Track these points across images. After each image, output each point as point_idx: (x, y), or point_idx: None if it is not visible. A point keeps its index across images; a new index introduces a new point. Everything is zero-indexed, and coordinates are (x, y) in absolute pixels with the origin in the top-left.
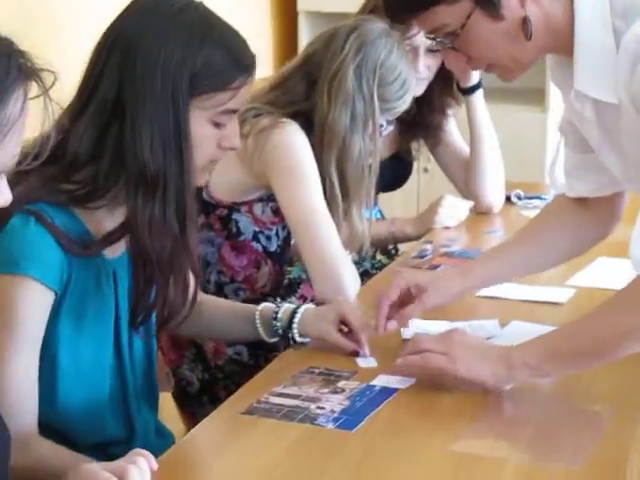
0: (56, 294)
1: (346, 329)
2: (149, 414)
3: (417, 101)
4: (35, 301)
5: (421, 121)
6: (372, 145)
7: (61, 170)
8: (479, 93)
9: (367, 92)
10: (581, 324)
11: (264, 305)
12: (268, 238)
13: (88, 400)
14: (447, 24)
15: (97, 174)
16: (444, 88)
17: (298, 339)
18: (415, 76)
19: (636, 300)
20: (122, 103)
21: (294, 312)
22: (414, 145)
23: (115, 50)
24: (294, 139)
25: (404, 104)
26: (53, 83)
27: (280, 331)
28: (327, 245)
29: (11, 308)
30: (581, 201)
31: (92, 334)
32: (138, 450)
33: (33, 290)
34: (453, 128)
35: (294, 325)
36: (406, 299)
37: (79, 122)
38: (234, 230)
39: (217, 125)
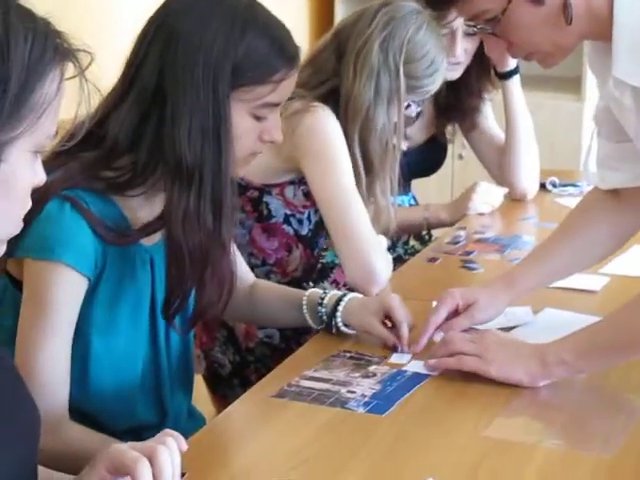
0: (89, 280)
1: (389, 323)
2: (183, 399)
3: (454, 84)
4: (69, 287)
5: (458, 104)
6: (397, 121)
7: (101, 156)
8: (516, 78)
9: (393, 67)
10: (616, 318)
11: (312, 290)
12: (300, 222)
13: (120, 385)
14: (488, 10)
15: (136, 162)
16: (481, 71)
17: (342, 329)
18: (446, 57)
19: None
20: (163, 91)
21: (339, 300)
22: (449, 129)
23: (157, 37)
24: (326, 123)
25: (433, 84)
26: (89, 64)
27: (325, 318)
28: (359, 230)
29: (45, 294)
30: (615, 193)
31: (127, 320)
32: (168, 431)
33: (67, 276)
34: (489, 114)
35: (338, 314)
36: (451, 315)
37: (120, 108)
38: (265, 212)
39: (258, 118)
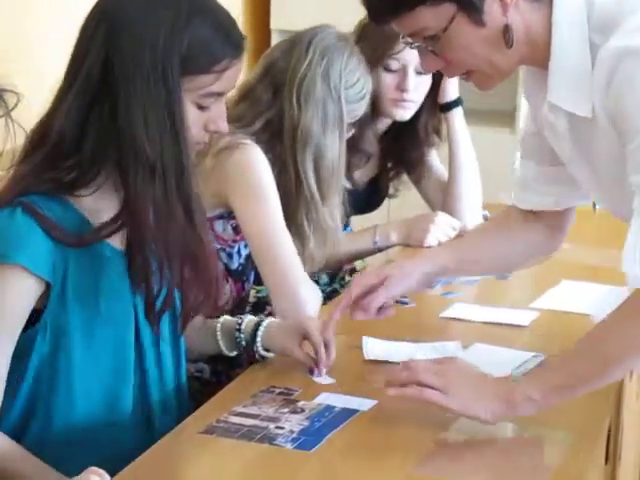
0: (49, 285)
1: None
2: None
3: (401, 132)
4: (22, 290)
5: (404, 155)
6: (341, 145)
7: (47, 155)
8: (457, 111)
9: (335, 95)
10: (579, 353)
11: (225, 318)
12: (229, 256)
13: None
14: (428, 27)
15: (80, 160)
16: (429, 119)
17: (262, 353)
18: (370, 81)
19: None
20: (110, 83)
21: (258, 325)
22: (394, 183)
23: (100, 28)
24: (254, 159)
25: (362, 107)
26: (16, 104)
27: (243, 343)
28: (287, 264)
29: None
30: (530, 214)
31: (109, 335)
32: (93, 469)
33: (22, 279)
34: (434, 156)
35: (258, 339)
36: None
37: (64, 102)
38: None
39: (201, 107)
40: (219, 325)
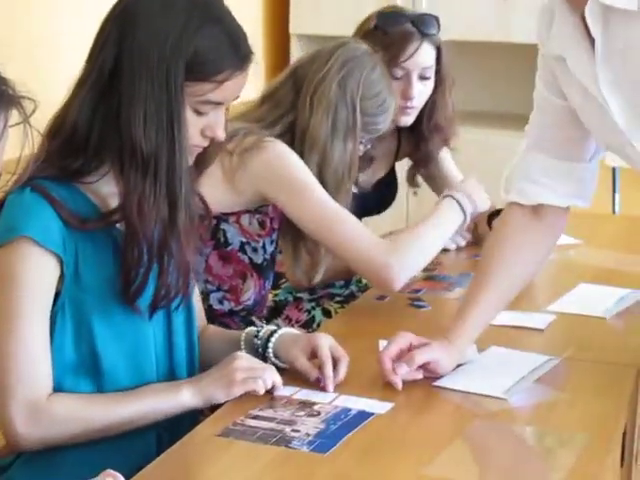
0: (61, 260)
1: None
2: None
3: (410, 135)
4: (33, 262)
5: (416, 154)
6: (352, 155)
7: (60, 145)
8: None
9: (350, 103)
10: None
11: (250, 328)
12: (254, 250)
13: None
14: None
15: (88, 147)
16: (431, 116)
17: (274, 360)
18: (401, 100)
19: None
20: (118, 78)
21: (272, 333)
22: (415, 181)
23: (116, 24)
24: (282, 154)
25: (384, 123)
26: (33, 111)
27: (260, 350)
28: (360, 239)
29: (8, 271)
30: (535, 214)
31: (127, 312)
32: (109, 471)
33: (30, 251)
34: (446, 158)
35: (270, 345)
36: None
37: (78, 95)
38: (222, 240)
39: (199, 113)
40: (243, 335)
